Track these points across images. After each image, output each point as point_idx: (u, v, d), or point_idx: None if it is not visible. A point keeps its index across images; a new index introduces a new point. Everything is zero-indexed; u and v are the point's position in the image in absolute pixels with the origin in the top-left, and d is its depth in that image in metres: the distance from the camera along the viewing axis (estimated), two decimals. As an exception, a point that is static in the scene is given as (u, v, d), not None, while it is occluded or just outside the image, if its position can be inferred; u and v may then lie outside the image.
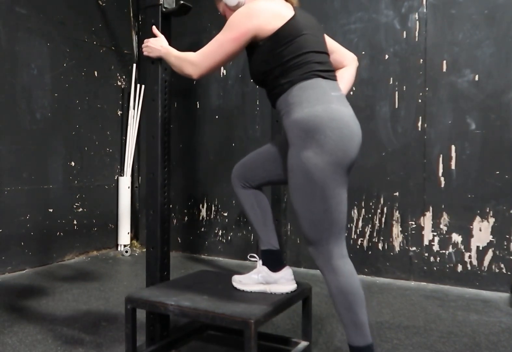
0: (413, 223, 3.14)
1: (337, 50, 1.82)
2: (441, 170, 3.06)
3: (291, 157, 1.55)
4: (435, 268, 3.07)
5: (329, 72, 1.64)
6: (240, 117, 3.78)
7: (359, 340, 1.54)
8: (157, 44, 1.90)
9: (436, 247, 3.07)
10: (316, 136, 1.49)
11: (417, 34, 3.13)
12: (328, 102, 1.54)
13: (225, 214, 3.85)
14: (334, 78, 1.65)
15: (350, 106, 1.62)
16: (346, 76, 1.80)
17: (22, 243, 3.38)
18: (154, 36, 1.95)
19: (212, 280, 1.99)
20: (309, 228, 1.55)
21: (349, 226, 3.33)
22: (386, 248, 3.22)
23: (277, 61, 1.60)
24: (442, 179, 3.06)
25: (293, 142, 1.55)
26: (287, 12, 1.62)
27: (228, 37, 1.61)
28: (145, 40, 1.96)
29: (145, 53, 1.96)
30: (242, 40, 1.61)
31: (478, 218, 2.95)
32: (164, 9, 2.00)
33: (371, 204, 3.27)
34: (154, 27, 1.96)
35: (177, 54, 1.79)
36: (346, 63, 1.83)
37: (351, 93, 3.32)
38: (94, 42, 3.96)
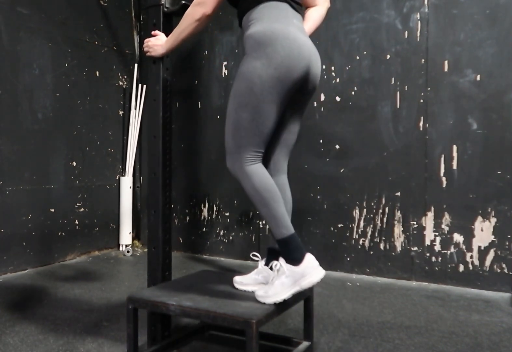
0: (415, 223, 3.14)
1: None
2: (442, 170, 3.06)
3: (241, 65, 1.65)
4: (436, 268, 3.07)
5: (297, 4, 1.76)
6: (241, 117, 3.78)
7: (282, 231, 1.61)
8: (158, 42, 1.92)
9: (437, 247, 3.06)
10: (267, 49, 1.57)
11: (418, 34, 3.13)
12: (288, 24, 1.63)
13: (227, 214, 3.85)
14: (300, 12, 1.76)
15: (309, 38, 1.69)
16: (314, 15, 1.91)
17: (24, 243, 3.39)
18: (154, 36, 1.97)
19: (214, 280, 1.99)
20: (232, 134, 1.65)
21: (350, 226, 3.33)
22: (387, 248, 3.22)
23: None
24: (443, 178, 3.05)
25: (247, 52, 1.64)
26: None
27: None
28: (146, 40, 1.97)
29: (147, 54, 1.97)
30: None
31: (479, 218, 2.95)
32: (165, 9, 2.01)
33: (372, 203, 3.26)
34: (153, 32, 1.97)
35: (177, 25, 1.84)
36: (318, 2, 1.93)
37: (352, 93, 3.32)
38: (96, 42, 3.96)
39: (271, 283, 1.65)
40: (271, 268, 1.72)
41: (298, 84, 1.64)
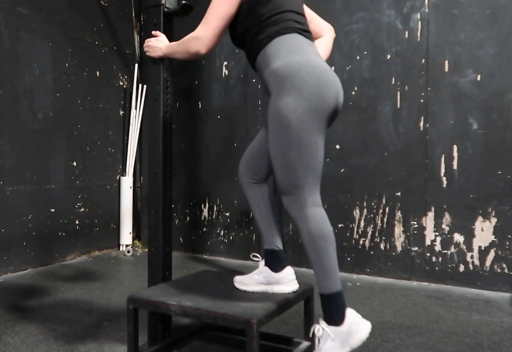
0: (415, 223, 3.14)
1: (314, 20, 1.87)
2: (443, 170, 3.06)
3: (271, 106, 1.57)
4: (437, 268, 3.07)
5: (307, 32, 1.70)
6: (241, 117, 3.78)
7: (330, 285, 1.54)
8: (159, 44, 1.92)
9: (438, 247, 3.06)
10: (294, 82, 1.51)
11: (419, 34, 3.13)
12: (305, 52, 1.58)
13: (227, 214, 3.85)
14: (311, 39, 1.71)
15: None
16: (322, 46, 1.85)
17: (24, 243, 3.39)
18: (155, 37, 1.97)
19: (214, 280, 1.99)
20: (285, 175, 1.57)
21: (350, 226, 3.33)
22: (388, 248, 3.22)
23: (255, 19, 1.65)
24: (444, 178, 3.05)
25: (273, 91, 1.57)
26: None
27: (220, 1, 1.66)
28: (146, 40, 1.97)
29: (147, 53, 1.97)
30: (234, 0, 1.67)
31: (480, 218, 2.95)
32: (166, 9, 2.01)
33: (373, 203, 3.26)
34: (153, 32, 1.97)
35: (178, 42, 1.82)
36: (323, 33, 1.88)
37: (353, 93, 3.32)
38: (96, 42, 3.97)
39: (319, 349, 1.54)
40: (313, 335, 1.58)
41: (333, 109, 1.58)
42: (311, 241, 1.55)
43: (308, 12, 1.85)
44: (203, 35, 1.68)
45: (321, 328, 1.54)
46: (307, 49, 1.60)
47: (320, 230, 1.55)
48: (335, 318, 1.53)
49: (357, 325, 1.50)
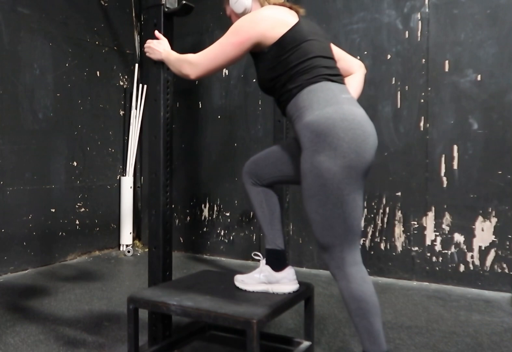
0: (416, 222, 3.14)
1: (343, 58, 1.81)
2: (443, 170, 3.06)
3: (304, 162, 1.51)
4: (437, 268, 3.07)
5: (337, 76, 1.62)
6: (242, 117, 3.78)
7: (374, 348, 1.50)
8: (160, 47, 1.91)
9: (438, 247, 3.06)
10: (328, 139, 1.45)
11: (419, 34, 3.13)
12: (339, 103, 1.51)
13: (227, 214, 3.85)
14: (342, 82, 1.64)
15: (362, 108, 1.59)
16: (353, 84, 1.78)
17: (25, 243, 3.39)
18: (157, 38, 1.96)
19: (215, 280, 1.99)
20: (322, 234, 1.52)
21: (351, 226, 3.33)
22: (388, 248, 3.22)
23: (283, 67, 1.59)
24: (444, 178, 3.05)
25: (306, 146, 1.51)
26: (292, 19, 1.62)
27: (230, 41, 1.62)
28: (148, 41, 1.97)
29: (147, 54, 1.97)
30: (244, 45, 1.61)
31: (480, 218, 2.95)
32: (166, 9, 2.01)
33: (373, 203, 3.26)
34: (156, 32, 1.97)
35: (177, 55, 1.80)
36: (353, 70, 1.81)
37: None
38: (97, 42, 3.97)
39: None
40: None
41: (371, 162, 1.52)
42: (353, 302, 1.52)
43: (336, 50, 1.79)
44: (199, 64, 1.66)
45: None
46: (340, 98, 1.53)
47: (361, 291, 1.51)
48: None
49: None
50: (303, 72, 1.57)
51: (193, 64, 1.68)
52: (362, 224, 3.30)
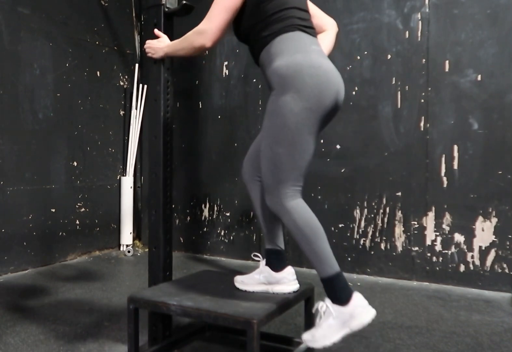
0: (416, 223, 3.14)
1: (317, 15, 1.90)
2: (443, 170, 3.05)
3: (270, 103, 1.60)
4: (437, 268, 3.07)
5: (310, 28, 1.71)
6: (242, 117, 3.78)
7: (326, 269, 1.56)
8: (160, 44, 1.92)
9: (438, 247, 3.06)
10: (294, 82, 1.54)
11: (419, 34, 3.13)
12: (308, 52, 1.60)
13: (228, 214, 3.85)
14: (314, 35, 1.72)
15: (330, 61, 1.66)
16: (325, 41, 1.88)
17: (25, 243, 3.39)
18: (157, 37, 1.96)
19: (215, 280, 1.99)
20: (270, 170, 1.61)
21: (351, 226, 3.33)
22: (388, 248, 3.22)
23: (261, 15, 1.66)
24: (444, 178, 3.05)
25: (274, 89, 1.60)
26: None
27: None
28: (147, 42, 1.97)
29: (148, 55, 1.97)
30: None
31: (480, 218, 2.95)
32: (166, 9, 2.01)
33: (373, 203, 3.26)
34: (156, 30, 1.97)
35: (179, 39, 1.82)
36: (326, 27, 1.91)
37: (353, 93, 3.32)
38: (97, 42, 3.97)
39: (318, 325, 1.55)
40: (316, 311, 1.60)
41: (330, 110, 1.60)
42: (299, 231, 1.59)
43: (311, 7, 1.86)
44: (208, 29, 1.68)
45: (325, 305, 1.55)
46: (310, 47, 1.62)
47: (304, 219, 1.59)
48: (339, 298, 1.54)
49: (361, 309, 1.51)
50: (278, 21, 1.64)
51: (203, 31, 1.69)
52: (362, 223, 3.30)
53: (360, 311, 1.50)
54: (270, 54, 1.63)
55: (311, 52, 1.60)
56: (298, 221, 1.59)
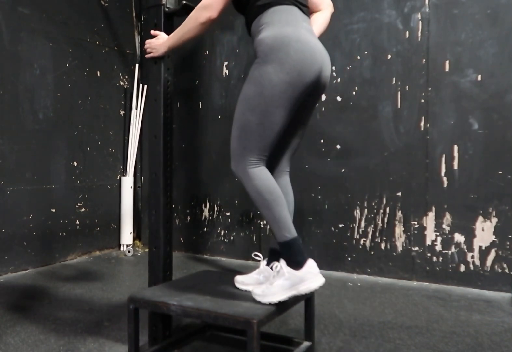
0: (416, 222, 3.14)
1: None
2: (443, 170, 3.05)
3: (252, 70, 1.63)
4: (437, 268, 3.07)
5: (305, 7, 1.74)
6: (242, 117, 3.78)
7: (284, 234, 1.60)
8: (159, 41, 1.93)
9: (438, 247, 3.06)
10: (279, 54, 1.55)
11: (419, 34, 3.13)
12: (297, 27, 1.61)
13: (228, 214, 3.85)
14: (308, 14, 1.76)
15: (319, 41, 1.67)
16: (319, 20, 1.90)
17: (25, 243, 3.39)
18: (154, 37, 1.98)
19: (215, 280, 1.99)
20: (239, 137, 1.64)
21: (351, 226, 3.33)
22: (388, 248, 3.22)
23: None
24: (444, 179, 3.05)
25: (258, 57, 1.62)
26: None
27: None
28: (146, 42, 1.98)
29: (150, 54, 1.98)
30: None
31: (480, 218, 2.95)
32: (166, 9, 2.01)
33: (373, 203, 3.26)
34: (152, 31, 1.98)
35: (180, 26, 1.83)
36: (322, 7, 1.93)
37: (353, 93, 3.32)
38: (97, 42, 3.97)
39: (270, 282, 1.64)
40: (271, 268, 1.71)
41: (310, 88, 1.62)
42: (259, 197, 1.62)
43: None
44: (212, 1, 1.70)
45: (280, 265, 1.61)
46: (300, 23, 1.64)
47: (265, 186, 1.62)
48: (294, 261, 1.58)
49: (312, 276, 1.57)
50: None
51: (207, 4, 1.72)
52: (362, 223, 3.30)
53: (310, 277, 1.56)
54: (261, 23, 1.66)
55: (301, 28, 1.62)
56: (260, 187, 1.62)
